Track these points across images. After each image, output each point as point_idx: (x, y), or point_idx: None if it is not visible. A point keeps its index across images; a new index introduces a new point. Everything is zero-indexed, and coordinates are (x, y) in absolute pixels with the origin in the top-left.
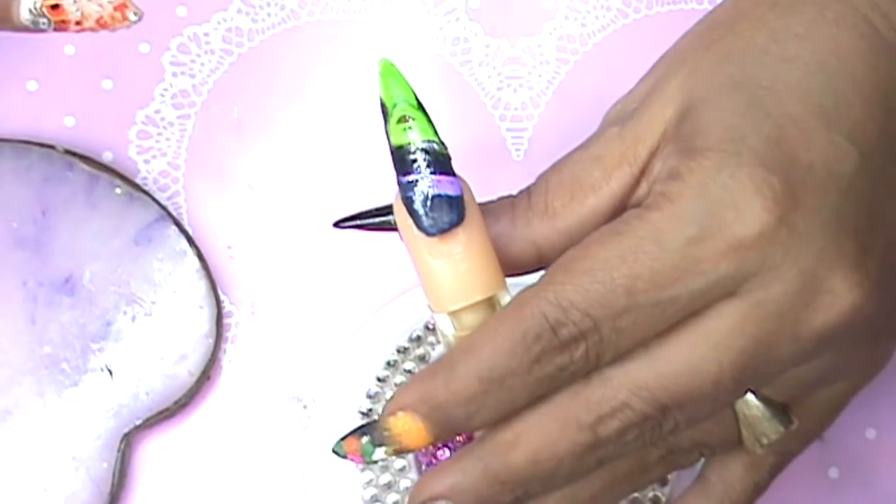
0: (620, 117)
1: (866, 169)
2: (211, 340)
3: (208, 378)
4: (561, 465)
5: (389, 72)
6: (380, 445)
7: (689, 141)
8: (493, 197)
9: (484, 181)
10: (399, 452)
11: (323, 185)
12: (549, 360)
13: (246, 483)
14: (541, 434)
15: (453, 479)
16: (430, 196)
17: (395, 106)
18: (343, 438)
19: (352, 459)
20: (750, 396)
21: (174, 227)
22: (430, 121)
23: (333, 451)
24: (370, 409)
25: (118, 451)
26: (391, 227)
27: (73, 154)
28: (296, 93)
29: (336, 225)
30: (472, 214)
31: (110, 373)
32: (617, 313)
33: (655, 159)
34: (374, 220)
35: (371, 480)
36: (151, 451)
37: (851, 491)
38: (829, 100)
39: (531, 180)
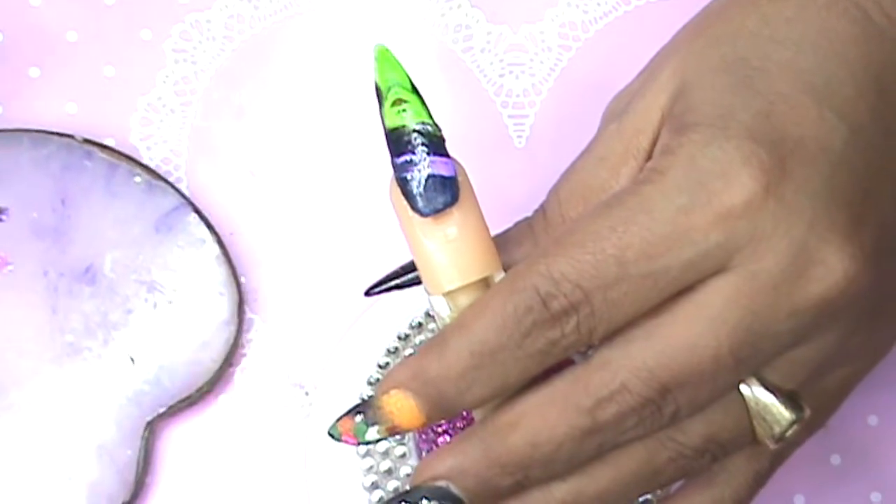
0: (618, 112)
1: (857, 145)
2: (232, 327)
3: (230, 365)
4: (560, 449)
5: (384, 56)
6: (373, 424)
7: (680, 119)
8: (494, 184)
9: (486, 168)
10: (392, 432)
11: (324, 171)
12: (540, 334)
13: (271, 469)
14: (540, 417)
15: (454, 461)
16: (424, 177)
17: (389, 89)
18: (338, 420)
19: (346, 441)
20: (759, 387)
21: (194, 215)
22: (423, 103)
23: (329, 433)
24: (371, 397)
25: (142, 438)
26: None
27: (92, 143)
28: (297, 79)
29: (367, 293)
30: (466, 195)
31: (132, 361)
32: (608, 284)
33: (657, 147)
34: (403, 279)
35: (372, 467)
36: (175, 439)
37: (854, 477)
38: (820, 78)
39: (533, 167)
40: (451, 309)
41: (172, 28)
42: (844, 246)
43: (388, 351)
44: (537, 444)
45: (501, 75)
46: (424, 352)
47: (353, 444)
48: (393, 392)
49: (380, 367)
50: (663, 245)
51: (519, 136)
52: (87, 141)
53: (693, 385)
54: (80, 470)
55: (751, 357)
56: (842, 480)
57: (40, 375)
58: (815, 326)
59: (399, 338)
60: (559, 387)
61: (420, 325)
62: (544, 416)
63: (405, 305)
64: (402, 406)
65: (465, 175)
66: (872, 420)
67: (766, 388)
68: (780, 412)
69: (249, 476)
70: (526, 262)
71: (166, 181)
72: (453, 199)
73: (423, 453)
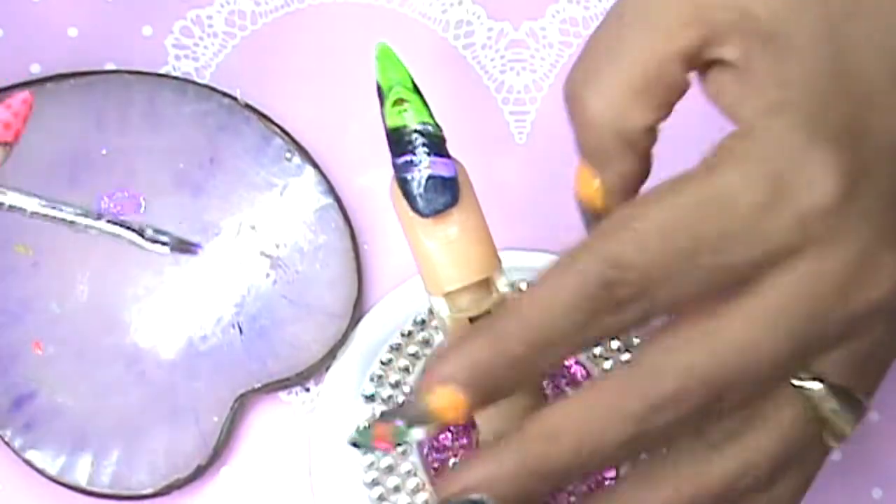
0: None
1: None
2: (344, 322)
3: (333, 357)
4: (605, 455)
5: (386, 55)
6: (417, 425)
7: (768, 92)
8: (495, 180)
9: (487, 165)
10: (439, 430)
11: (325, 168)
12: (601, 319)
13: (338, 468)
14: (587, 426)
15: (488, 471)
16: (424, 177)
17: (390, 88)
18: (365, 428)
19: (380, 447)
20: (820, 385)
21: (339, 212)
22: (425, 103)
23: (350, 443)
24: (374, 393)
25: (231, 409)
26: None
27: (253, 109)
28: (299, 76)
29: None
30: (466, 195)
31: (241, 331)
32: (676, 275)
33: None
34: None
35: (373, 463)
36: (260, 417)
37: (855, 473)
38: None
39: (534, 164)
40: (451, 310)
41: (174, 24)
42: None
43: (391, 347)
44: (581, 454)
45: (502, 72)
46: (471, 343)
47: (390, 449)
48: (439, 389)
49: (382, 363)
50: (736, 241)
51: (520, 133)
52: (248, 106)
53: (746, 385)
54: (165, 423)
55: (806, 357)
56: (843, 476)
57: (151, 322)
58: (867, 325)
59: (402, 334)
60: (605, 393)
61: (423, 321)
62: (591, 425)
63: (409, 302)
64: (450, 401)
65: (466, 175)
66: (873, 416)
67: (828, 387)
68: (844, 414)
69: (314, 473)
70: (587, 246)
71: (321, 172)
72: (454, 200)
73: (425, 449)
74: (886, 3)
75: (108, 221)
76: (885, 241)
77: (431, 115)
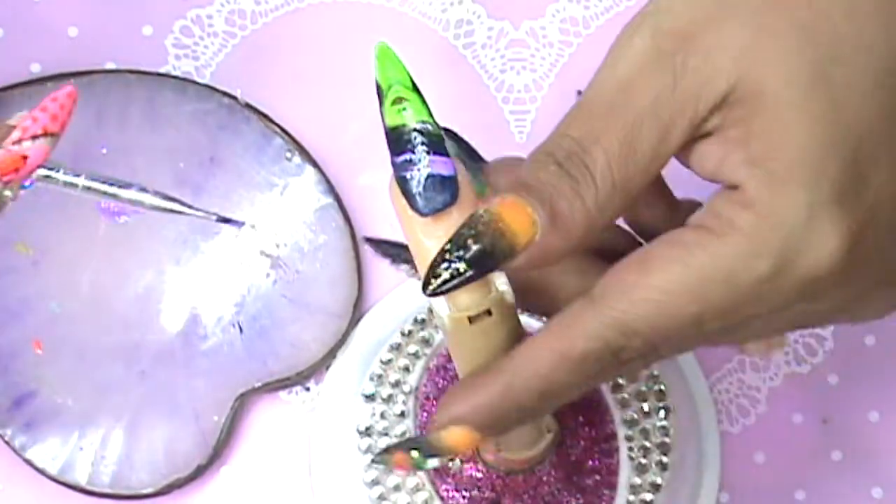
0: (667, 51)
1: None
2: (344, 322)
3: (333, 357)
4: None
5: (385, 54)
6: (431, 457)
7: (763, 158)
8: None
9: None
10: (451, 459)
11: (325, 168)
12: (605, 374)
13: (339, 469)
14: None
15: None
16: (423, 176)
17: (389, 87)
18: (386, 451)
19: (399, 469)
20: None
21: (340, 211)
22: (424, 102)
23: (376, 461)
24: (374, 393)
25: (231, 408)
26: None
27: (254, 109)
28: (298, 75)
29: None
30: (465, 195)
31: (241, 330)
32: (680, 338)
33: (715, 115)
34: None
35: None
36: (260, 417)
37: (855, 473)
38: None
39: None
40: (450, 308)
41: (174, 24)
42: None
43: (391, 347)
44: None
45: (503, 71)
46: (485, 389)
47: (408, 471)
48: (452, 428)
49: (382, 362)
50: (740, 308)
51: (520, 132)
52: (248, 106)
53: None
54: (167, 422)
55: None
56: (843, 476)
57: (151, 321)
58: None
59: (402, 334)
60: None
61: (423, 321)
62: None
63: (408, 302)
64: (461, 438)
65: (465, 175)
66: (873, 416)
67: None
68: None
69: (313, 472)
70: (595, 310)
71: (322, 172)
72: (452, 199)
73: None
74: (864, 44)
75: (156, 194)
76: (879, 285)
77: (431, 115)
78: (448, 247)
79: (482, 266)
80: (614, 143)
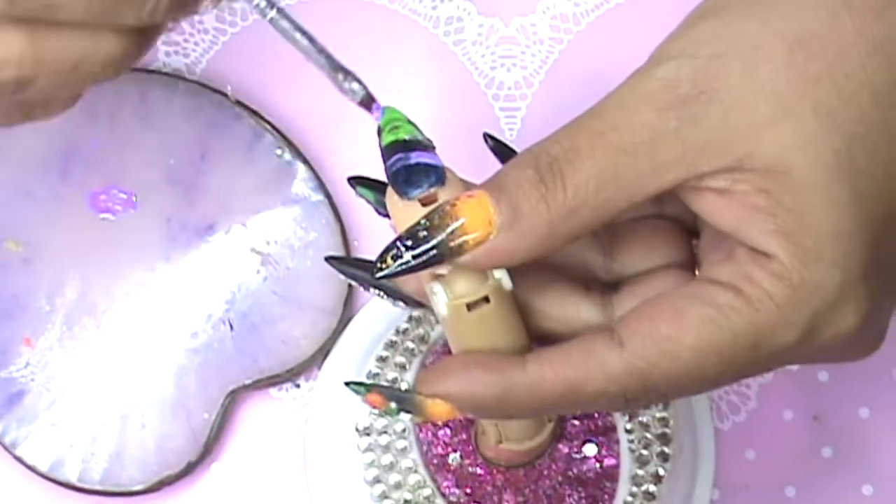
0: (683, 97)
1: None
2: (335, 318)
3: (324, 354)
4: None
5: (391, 118)
6: (407, 412)
7: (795, 233)
8: (486, 175)
9: (476, 160)
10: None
11: (316, 165)
12: (606, 408)
13: (333, 464)
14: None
15: (470, 388)
16: (411, 163)
17: (387, 123)
18: (367, 386)
19: (367, 403)
20: None
21: (330, 208)
22: (417, 128)
23: (352, 389)
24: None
25: (221, 405)
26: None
27: (244, 106)
28: (289, 72)
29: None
30: (453, 181)
31: (231, 327)
32: (693, 388)
33: (724, 175)
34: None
35: (373, 461)
36: (251, 414)
37: (845, 470)
38: None
39: None
40: (448, 296)
41: None
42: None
43: (387, 344)
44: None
45: (493, 68)
46: (484, 385)
47: (375, 409)
48: (439, 401)
49: (379, 359)
50: (757, 366)
51: (511, 129)
52: (239, 103)
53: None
54: (157, 420)
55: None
56: (833, 472)
57: (142, 318)
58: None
59: (398, 331)
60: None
61: (419, 318)
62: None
63: None
64: (444, 412)
65: (456, 175)
66: (864, 412)
67: None
68: None
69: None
70: (623, 353)
71: (312, 168)
72: (438, 181)
73: (424, 446)
74: (888, 133)
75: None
76: (874, 340)
77: (423, 134)
78: (403, 235)
79: (429, 259)
80: (600, 163)
